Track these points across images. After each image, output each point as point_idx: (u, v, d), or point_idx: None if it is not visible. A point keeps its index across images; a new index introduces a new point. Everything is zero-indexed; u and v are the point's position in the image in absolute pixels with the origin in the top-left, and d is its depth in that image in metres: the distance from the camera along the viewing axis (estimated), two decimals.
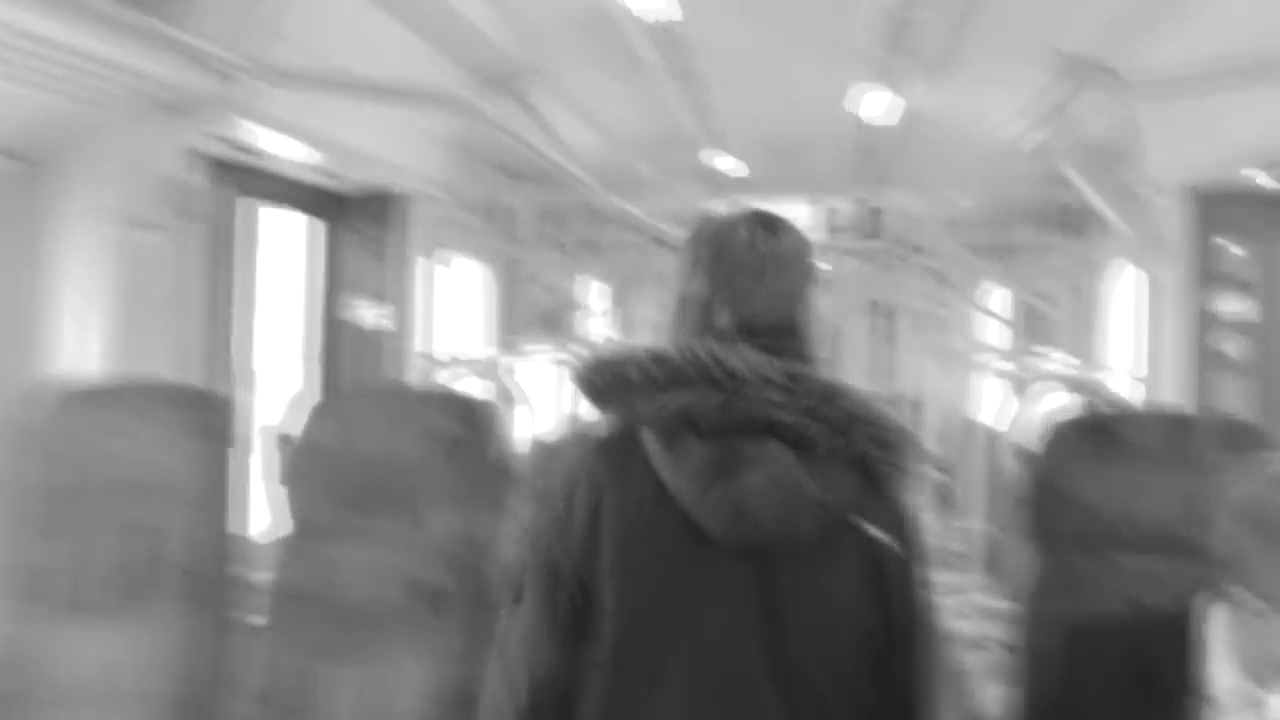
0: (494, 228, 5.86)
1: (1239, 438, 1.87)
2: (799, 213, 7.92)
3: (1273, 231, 3.50)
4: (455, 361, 4.15)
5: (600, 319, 8.53)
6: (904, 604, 1.50)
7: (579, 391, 1.51)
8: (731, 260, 1.53)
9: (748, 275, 1.52)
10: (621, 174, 6.99)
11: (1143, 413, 2.47)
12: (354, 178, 4.23)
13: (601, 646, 1.44)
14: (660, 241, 8.18)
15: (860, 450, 1.46)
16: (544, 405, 7.45)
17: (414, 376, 4.14)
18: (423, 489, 2.15)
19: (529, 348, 6.61)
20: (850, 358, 9.65)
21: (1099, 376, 4.46)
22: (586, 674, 1.45)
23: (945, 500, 7.58)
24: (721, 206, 8.18)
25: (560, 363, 7.06)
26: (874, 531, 1.47)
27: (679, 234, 7.82)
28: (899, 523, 1.50)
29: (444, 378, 4.03)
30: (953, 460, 8.33)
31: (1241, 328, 3.42)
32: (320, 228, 4.35)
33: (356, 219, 4.30)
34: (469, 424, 2.18)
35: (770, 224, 1.57)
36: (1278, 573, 1.38)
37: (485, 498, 2.16)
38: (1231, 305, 3.47)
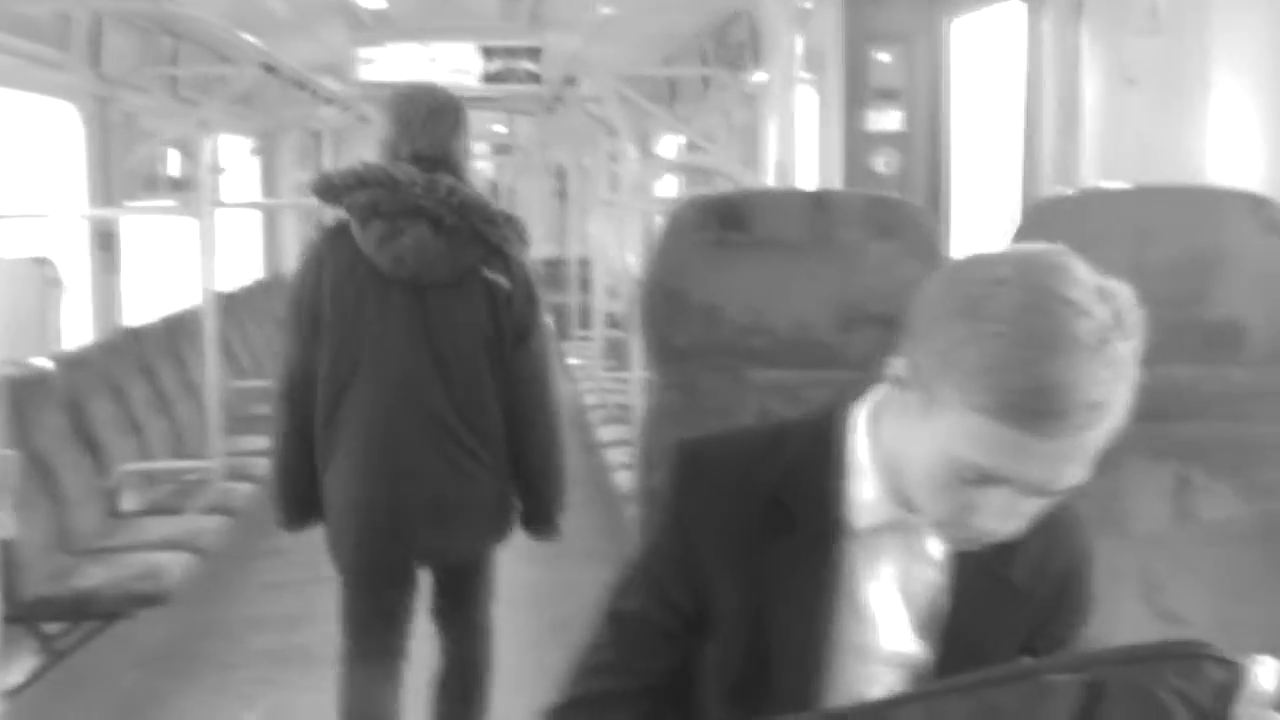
0: (74, 59, 4.90)
1: (884, 215, 1.54)
2: (454, 57, 7.28)
3: (916, 35, 3.27)
4: None
5: (235, 176, 7.63)
6: (511, 317, 2.54)
7: (314, 193, 2.53)
8: (407, 116, 2.53)
9: (416, 125, 2.51)
10: (250, 8, 6.09)
11: (773, 192, 2.15)
12: None
13: (327, 347, 2.49)
14: (303, 86, 7.32)
15: (475, 225, 2.46)
16: (165, 270, 6.58)
17: None
18: None
19: (136, 205, 5.73)
20: (526, 219, 9.18)
21: (731, 164, 4.23)
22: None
23: (616, 354, 7.38)
24: (371, 53, 7.43)
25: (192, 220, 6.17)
26: (490, 274, 2.50)
27: (327, 82, 6.97)
28: (509, 269, 2.54)
29: None
30: (622, 315, 8.15)
31: (891, 139, 3.21)
32: None
33: None
34: None
35: (431, 89, 2.67)
36: (947, 353, 1.00)
37: None
38: (881, 118, 3.25)
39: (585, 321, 8.43)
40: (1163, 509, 1.53)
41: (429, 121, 2.51)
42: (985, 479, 1.01)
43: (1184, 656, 0.86)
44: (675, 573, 1.18)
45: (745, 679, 1.17)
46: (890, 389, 1.10)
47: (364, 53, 7.18)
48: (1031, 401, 0.96)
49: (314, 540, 5.21)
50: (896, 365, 1.08)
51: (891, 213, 1.54)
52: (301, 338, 2.50)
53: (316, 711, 3.64)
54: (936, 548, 1.16)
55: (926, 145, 3.18)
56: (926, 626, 1.18)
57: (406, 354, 2.47)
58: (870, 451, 1.16)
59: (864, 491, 1.16)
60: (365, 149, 7.76)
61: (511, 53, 7.04)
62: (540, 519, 2.66)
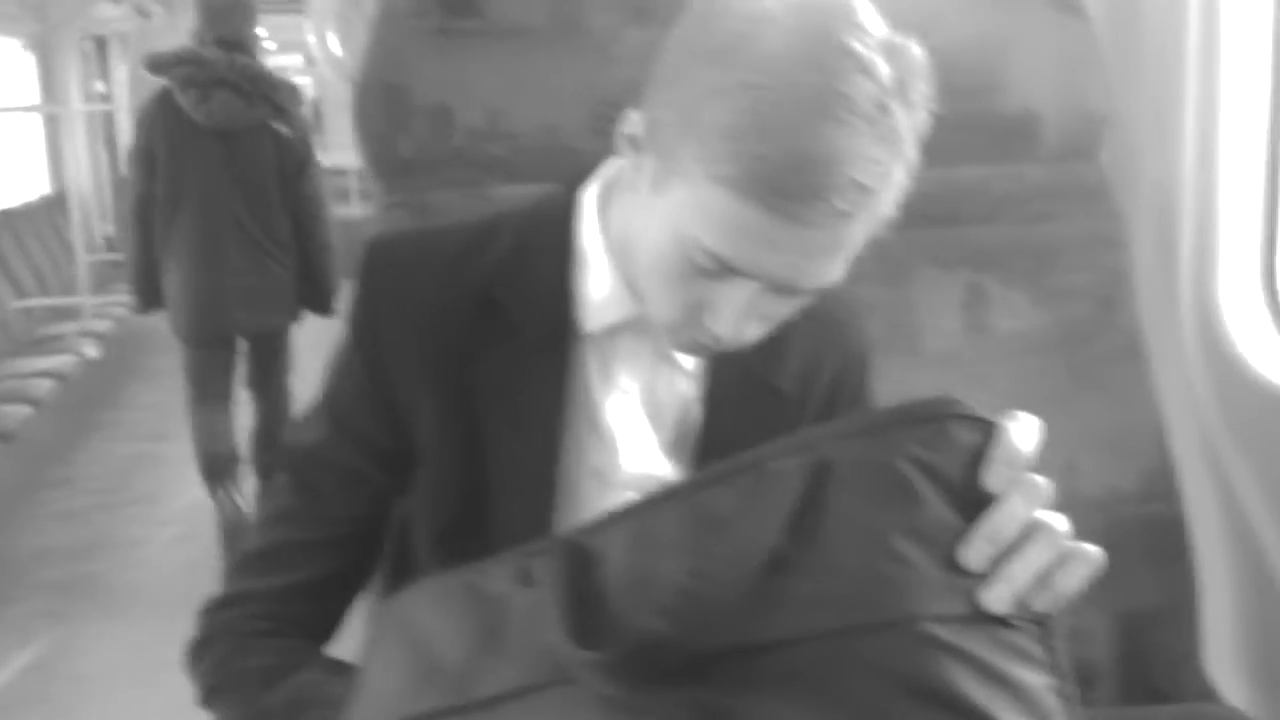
0: None
1: None
2: None
3: None
4: None
5: (7, 82, 6.98)
6: (292, 155, 3.52)
7: (146, 67, 3.51)
8: (210, 10, 3.46)
9: (219, 17, 3.45)
10: None
11: None
12: None
13: (161, 180, 3.43)
14: None
15: (263, 90, 3.44)
16: None
17: None
18: None
19: None
20: (334, 131, 8.72)
21: None
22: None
23: None
24: None
25: None
26: (275, 125, 3.47)
27: None
28: (289, 121, 3.52)
29: None
30: None
31: None
32: None
33: None
34: None
35: None
36: (689, 108, 0.80)
37: None
38: None
39: None
40: (955, 322, 1.38)
41: (227, 15, 3.45)
42: (722, 270, 0.81)
43: (926, 420, 0.69)
44: (365, 400, 0.97)
45: (460, 517, 0.97)
46: (625, 159, 0.90)
47: None
48: (784, 176, 0.76)
49: (104, 468, 4.88)
50: (631, 122, 0.88)
51: None
52: (142, 174, 3.44)
53: (102, 643, 3.35)
54: None
55: None
56: (678, 444, 1.00)
57: (220, 185, 3.43)
58: (601, 237, 0.96)
59: (596, 286, 0.96)
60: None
61: None
62: (318, 299, 3.66)
